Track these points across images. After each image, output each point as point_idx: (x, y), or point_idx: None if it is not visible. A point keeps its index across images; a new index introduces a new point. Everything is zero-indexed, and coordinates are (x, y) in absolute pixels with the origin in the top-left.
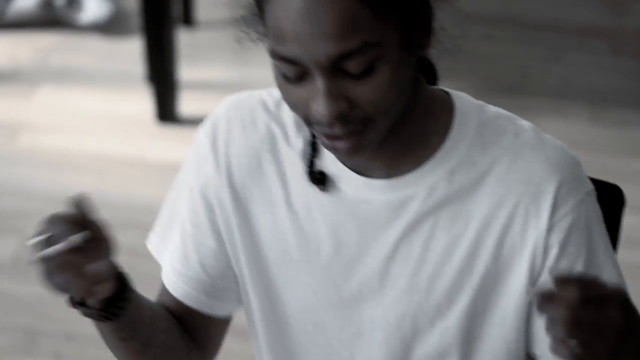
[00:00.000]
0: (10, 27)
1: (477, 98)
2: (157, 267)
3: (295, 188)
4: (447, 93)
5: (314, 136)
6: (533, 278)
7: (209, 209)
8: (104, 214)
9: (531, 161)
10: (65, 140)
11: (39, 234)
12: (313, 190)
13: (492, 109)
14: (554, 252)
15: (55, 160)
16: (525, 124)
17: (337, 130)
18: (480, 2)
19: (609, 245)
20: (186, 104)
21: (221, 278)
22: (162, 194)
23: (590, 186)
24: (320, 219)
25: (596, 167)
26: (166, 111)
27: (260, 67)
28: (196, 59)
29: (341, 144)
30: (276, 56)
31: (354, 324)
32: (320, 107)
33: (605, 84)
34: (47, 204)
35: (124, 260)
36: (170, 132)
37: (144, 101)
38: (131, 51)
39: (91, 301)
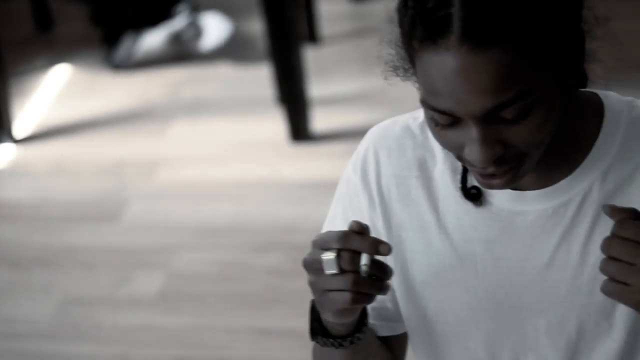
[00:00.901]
0: (140, 66)
1: (606, 77)
2: (302, 285)
3: (446, 210)
4: (594, 94)
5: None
6: None
7: None
8: (247, 238)
9: None
10: (202, 170)
11: (327, 249)
12: (465, 209)
13: None
14: None
15: (194, 191)
16: None
17: (492, 170)
18: None
19: None
20: (319, 120)
21: (392, 302)
22: (302, 213)
23: None
24: (474, 237)
25: None
26: (299, 130)
27: (389, 79)
28: (324, 74)
29: (496, 182)
30: (428, 106)
31: (516, 333)
32: (474, 154)
33: None
34: (190, 236)
35: (270, 280)
36: (305, 150)
37: (276, 123)
38: (260, 75)
39: (340, 328)
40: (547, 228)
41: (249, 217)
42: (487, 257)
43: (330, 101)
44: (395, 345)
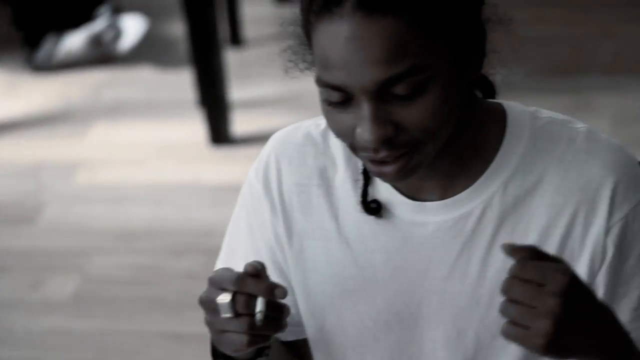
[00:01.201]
0: (61, 67)
1: (532, 82)
2: None
3: (347, 220)
4: (499, 104)
5: (366, 185)
6: (590, 282)
7: (269, 248)
8: (164, 241)
9: (587, 167)
10: (121, 173)
11: (222, 291)
12: (365, 219)
13: (546, 114)
14: (609, 254)
15: (112, 194)
16: (580, 126)
17: (383, 155)
18: None
19: None
20: (240, 123)
21: (296, 308)
22: (220, 216)
23: None
24: (374, 247)
25: None
26: (219, 134)
27: (311, 82)
28: (247, 77)
29: (387, 169)
30: (322, 83)
31: (414, 344)
32: (365, 133)
33: None
34: (106, 239)
35: (185, 284)
36: (224, 153)
37: (197, 126)
38: (181, 78)
39: (243, 356)
40: (446, 240)
41: (167, 221)
42: (387, 268)
43: (252, 104)
44: (303, 348)
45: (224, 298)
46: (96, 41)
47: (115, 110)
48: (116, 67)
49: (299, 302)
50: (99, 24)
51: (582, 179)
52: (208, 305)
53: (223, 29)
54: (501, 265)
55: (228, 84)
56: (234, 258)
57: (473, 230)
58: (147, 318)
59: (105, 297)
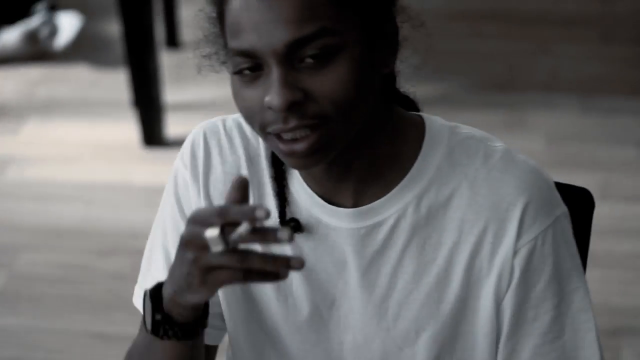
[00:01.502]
0: None
1: (468, 96)
2: None
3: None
4: (419, 116)
5: (281, 186)
6: (498, 302)
7: None
8: (92, 241)
9: (500, 185)
10: (51, 171)
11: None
12: None
13: (465, 130)
14: (516, 275)
15: (42, 191)
16: (498, 145)
17: (292, 125)
18: (465, 0)
19: (577, 270)
20: (173, 126)
21: (214, 305)
22: (149, 218)
23: (561, 209)
24: (291, 246)
25: (587, 157)
26: (152, 135)
27: None
28: (182, 80)
29: (298, 146)
30: (232, 52)
31: (322, 347)
32: (274, 97)
33: (595, 73)
34: (35, 236)
35: (112, 284)
36: (157, 155)
37: (130, 127)
38: (116, 78)
39: (187, 314)
40: (358, 248)
41: (96, 220)
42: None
43: (187, 107)
44: (210, 355)
45: (213, 232)
46: (32, 37)
47: (49, 108)
48: (51, 64)
49: (219, 293)
50: (35, 20)
51: (494, 197)
52: (193, 243)
53: (160, 31)
54: (410, 277)
55: (163, 86)
56: (156, 252)
57: (384, 241)
58: (73, 317)
59: (31, 294)
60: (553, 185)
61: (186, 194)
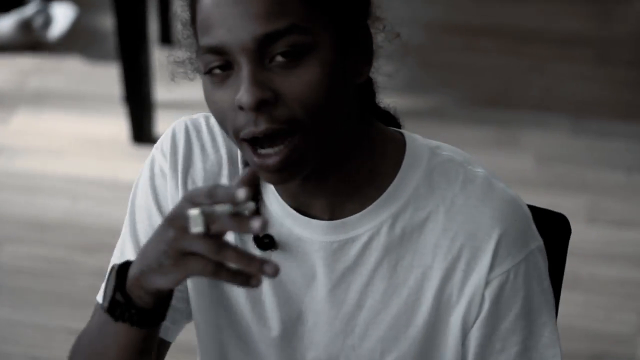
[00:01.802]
0: None
1: (460, 111)
2: None
3: None
4: (401, 134)
5: (256, 199)
6: (465, 330)
7: None
8: (76, 236)
9: (476, 213)
10: (40, 163)
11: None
12: None
13: (447, 151)
14: (486, 306)
15: (28, 183)
16: (478, 170)
17: (263, 128)
18: (462, 13)
19: (548, 305)
20: (163, 124)
21: (177, 300)
22: None
23: (536, 243)
24: (262, 254)
25: (576, 179)
26: (142, 132)
27: None
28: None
29: (270, 160)
30: (202, 50)
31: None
32: (244, 95)
33: (588, 94)
34: (19, 228)
35: (94, 281)
36: (145, 152)
37: (120, 123)
38: (109, 72)
39: (148, 299)
40: (329, 262)
41: (81, 215)
42: (270, 280)
43: (177, 105)
44: (161, 352)
45: (195, 210)
46: (26, 26)
47: (40, 98)
48: (44, 54)
49: (190, 292)
50: (29, 9)
51: (470, 225)
52: (177, 220)
53: (154, 28)
54: (380, 297)
55: (154, 83)
56: (127, 244)
57: (357, 256)
58: (53, 312)
59: (11, 286)
60: (530, 217)
61: (163, 184)
